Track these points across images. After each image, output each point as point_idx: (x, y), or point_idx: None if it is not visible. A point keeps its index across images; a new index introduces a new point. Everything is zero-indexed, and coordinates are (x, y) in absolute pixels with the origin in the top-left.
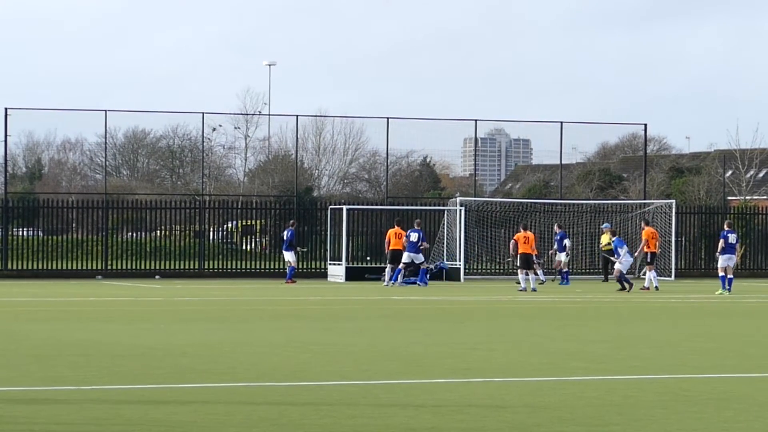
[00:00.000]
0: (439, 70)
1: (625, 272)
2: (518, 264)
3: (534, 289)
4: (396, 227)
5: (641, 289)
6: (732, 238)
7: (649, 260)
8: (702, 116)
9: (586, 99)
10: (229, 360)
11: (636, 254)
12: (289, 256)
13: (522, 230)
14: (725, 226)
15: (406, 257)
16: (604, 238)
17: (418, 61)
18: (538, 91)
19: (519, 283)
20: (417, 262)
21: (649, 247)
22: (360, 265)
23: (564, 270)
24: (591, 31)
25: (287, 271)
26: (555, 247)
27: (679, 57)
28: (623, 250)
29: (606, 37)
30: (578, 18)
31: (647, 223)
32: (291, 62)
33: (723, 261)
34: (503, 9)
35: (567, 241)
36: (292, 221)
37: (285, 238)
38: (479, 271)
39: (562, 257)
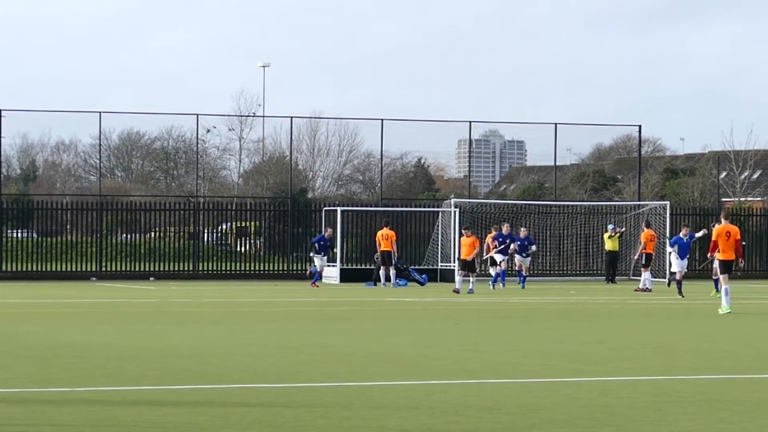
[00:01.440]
0: (437, 71)
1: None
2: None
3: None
4: (384, 228)
5: (635, 290)
6: None
7: (644, 262)
8: (696, 118)
9: (580, 100)
10: (223, 362)
11: (635, 257)
12: (318, 260)
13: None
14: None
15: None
16: (613, 239)
17: (415, 62)
18: (534, 93)
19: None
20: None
21: (646, 249)
22: (358, 266)
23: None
24: (589, 32)
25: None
26: (515, 247)
27: (675, 59)
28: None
29: (602, 39)
30: (577, 19)
31: (648, 225)
32: (286, 63)
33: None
34: (502, 10)
35: (534, 248)
36: (327, 228)
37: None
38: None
39: (525, 261)
